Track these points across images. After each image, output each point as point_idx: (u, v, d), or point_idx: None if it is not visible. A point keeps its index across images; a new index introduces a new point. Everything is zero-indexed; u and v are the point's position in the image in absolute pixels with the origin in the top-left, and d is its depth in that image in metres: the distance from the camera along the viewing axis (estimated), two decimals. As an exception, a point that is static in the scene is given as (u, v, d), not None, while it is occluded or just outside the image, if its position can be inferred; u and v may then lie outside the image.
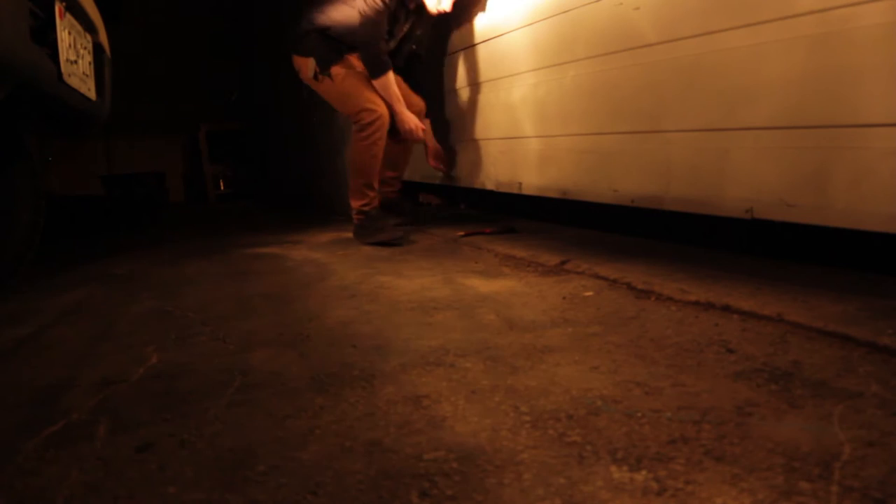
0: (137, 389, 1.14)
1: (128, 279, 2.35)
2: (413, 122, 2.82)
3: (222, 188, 8.87)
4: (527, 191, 2.68)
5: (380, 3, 2.60)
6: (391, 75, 2.73)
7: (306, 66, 2.81)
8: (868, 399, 0.90)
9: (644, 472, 0.75)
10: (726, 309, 1.38)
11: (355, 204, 2.81)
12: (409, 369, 1.16)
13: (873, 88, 1.33)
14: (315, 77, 2.80)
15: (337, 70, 2.74)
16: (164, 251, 3.12)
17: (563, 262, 2.00)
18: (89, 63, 2.10)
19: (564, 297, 1.61)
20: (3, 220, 2.11)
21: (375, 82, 2.71)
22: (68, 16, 1.83)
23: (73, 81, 1.85)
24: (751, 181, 1.62)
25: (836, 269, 1.61)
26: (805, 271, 1.61)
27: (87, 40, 2.07)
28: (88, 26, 2.08)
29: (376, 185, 2.82)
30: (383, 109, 2.70)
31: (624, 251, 2.07)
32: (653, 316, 1.40)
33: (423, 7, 2.75)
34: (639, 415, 0.91)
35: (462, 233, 2.76)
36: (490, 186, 2.94)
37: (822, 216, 1.46)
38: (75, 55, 1.90)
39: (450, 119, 3.30)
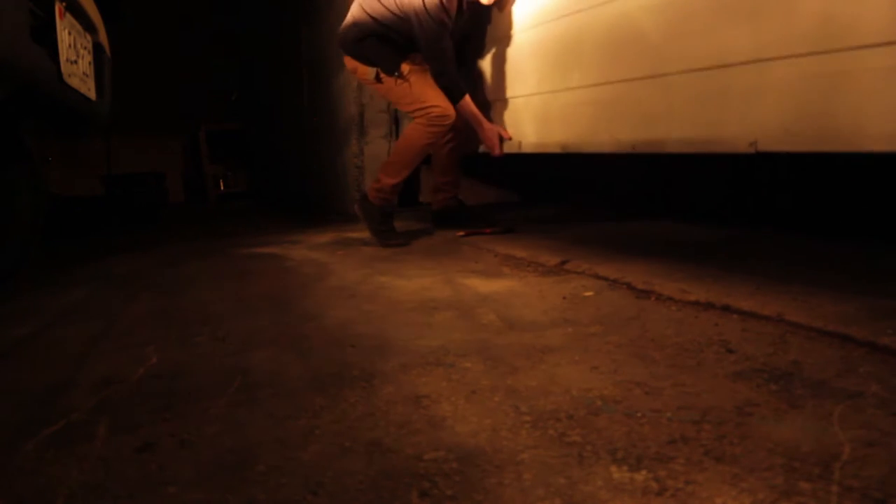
0: (137, 389, 1.14)
1: (128, 279, 2.35)
2: (492, 138, 2.72)
3: (222, 188, 8.87)
4: (526, 149, 2.64)
5: (439, 7, 2.54)
6: (468, 97, 2.68)
7: (365, 70, 2.78)
8: (868, 399, 0.90)
9: (644, 472, 0.75)
10: (726, 309, 1.38)
11: (386, 179, 2.72)
12: (409, 369, 1.16)
13: (870, 9, 1.30)
14: (377, 78, 2.75)
15: (404, 67, 2.69)
16: (164, 251, 3.12)
17: (563, 262, 2.00)
18: (89, 63, 2.10)
19: (564, 297, 1.61)
20: (3, 220, 2.10)
21: (457, 106, 2.66)
22: (68, 16, 1.83)
23: (73, 81, 1.85)
24: (754, 115, 1.58)
25: (836, 268, 1.61)
26: (805, 271, 1.61)
27: (87, 40, 2.07)
28: (88, 26, 2.08)
29: (407, 176, 2.76)
30: (451, 111, 2.64)
31: (624, 251, 2.07)
32: (653, 316, 1.40)
33: (476, 2, 2.68)
34: (639, 415, 0.91)
35: (462, 233, 2.76)
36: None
37: (826, 142, 1.42)
38: (75, 55, 1.90)
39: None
